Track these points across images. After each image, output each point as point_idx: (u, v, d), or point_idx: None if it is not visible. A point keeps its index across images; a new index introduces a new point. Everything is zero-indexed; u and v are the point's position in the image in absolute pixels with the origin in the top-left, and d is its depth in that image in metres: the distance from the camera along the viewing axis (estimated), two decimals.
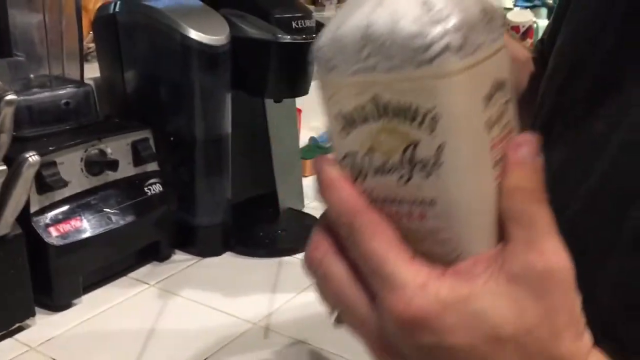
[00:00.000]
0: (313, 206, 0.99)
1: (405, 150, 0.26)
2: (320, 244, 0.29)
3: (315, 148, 1.25)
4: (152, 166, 0.80)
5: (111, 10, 0.80)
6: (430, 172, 0.26)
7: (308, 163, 1.14)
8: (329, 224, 0.29)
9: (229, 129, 0.81)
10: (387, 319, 0.26)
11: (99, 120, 0.78)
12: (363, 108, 0.27)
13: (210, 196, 0.83)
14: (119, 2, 0.79)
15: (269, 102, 0.88)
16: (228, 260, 0.83)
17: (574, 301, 0.26)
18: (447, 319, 0.25)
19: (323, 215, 0.29)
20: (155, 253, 0.81)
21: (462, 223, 0.27)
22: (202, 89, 0.77)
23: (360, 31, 0.26)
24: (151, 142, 0.79)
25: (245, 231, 0.88)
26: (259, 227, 0.90)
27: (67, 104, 0.75)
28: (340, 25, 0.27)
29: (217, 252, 0.83)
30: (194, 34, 0.75)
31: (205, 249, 0.83)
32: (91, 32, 0.93)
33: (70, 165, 0.70)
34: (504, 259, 0.26)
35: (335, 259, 0.28)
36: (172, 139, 0.81)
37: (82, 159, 0.71)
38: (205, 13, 0.78)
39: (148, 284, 0.77)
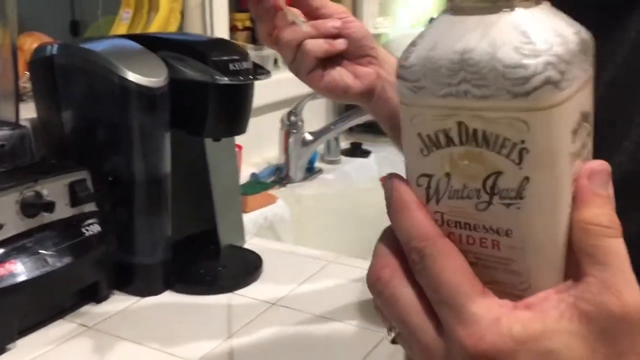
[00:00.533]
0: (253, 242, 1.01)
1: (487, 178, 0.26)
2: (388, 263, 0.28)
3: (256, 184, 1.27)
4: (90, 207, 0.79)
5: (48, 53, 0.80)
6: (510, 203, 0.26)
7: (249, 199, 1.15)
8: (397, 245, 0.28)
9: (168, 168, 0.82)
10: (457, 351, 0.25)
11: (35, 161, 0.78)
12: (448, 131, 0.26)
13: (149, 235, 0.83)
14: (56, 45, 0.80)
15: (208, 140, 0.90)
16: (168, 299, 0.83)
17: None
18: (520, 356, 0.25)
19: (388, 233, 0.29)
20: (94, 294, 0.80)
21: (536, 256, 0.27)
22: (141, 130, 0.78)
23: (456, 55, 0.25)
24: (89, 182, 0.79)
25: (185, 269, 0.88)
26: (199, 264, 0.90)
27: (2, 146, 0.74)
28: (434, 47, 0.26)
29: (157, 291, 0.83)
30: (132, 76, 0.76)
31: (145, 288, 0.83)
32: (27, 72, 0.93)
33: (5, 207, 0.69)
34: (577, 296, 0.25)
35: (404, 282, 0.28)
36: (110, 179, 0.81)
37: (17, 201, 0.71)
38: (143, 55, 0.80)
39: (86, 326, 0.76)
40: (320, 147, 1.46)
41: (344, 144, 1.59)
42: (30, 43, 0.97)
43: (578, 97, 0.26)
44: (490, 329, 0.25)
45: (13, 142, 0.75)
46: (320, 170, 1.45)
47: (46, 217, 0.74)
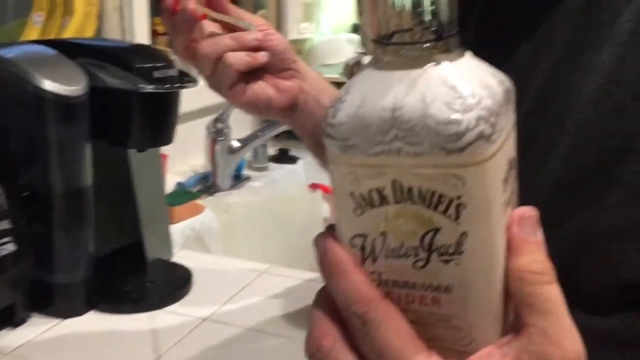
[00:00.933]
0: (182, 255, 0.97)
1: (424, 235, 0.26)
2: (328, 331, 0.27)
3: (182, 193, 1.23)
4: (4, 224, 0.74)
5: None
6: (449, 259, 0.26)
7: (175, 210, 1.12)
8: (334, 309, 0.27)
9: (90, 180, 0.78)
10: None
11: None
12: (381, 190, 0.26)
13: (70, 251, 0.78)
14: None
15: (132, 150, 0.86)
16: (92, 319, 0.79)
17: None
18: None
19: (323, 296, 0.28)
20: (9, 318, 0.75)
21: (477, 310, 0.26)
22: (59, 141, 0.74)
23: (387, 113, 0.25)
24: (2, 197, 0.74)
25: (110, 286, 0.84)
26: (125, 280, 0.86)
27: None
28: (362, 104, 0.25)
29: (79, 312, 0.79)
30: (48, 85, 0.71)
31: (66, 309, 0.78)
32: None
33: None
34: (520, 349, 0.25)
35: (345, 349, 0.27)
36: (26, 193, 0.76)
37: None
38: (60, 62, 0.75)
39: (2, 353, 0.70)
40: (247, 154, 1.44)
41: (272, 151, 1.58)
42: None
43: (506, 146, 0.26)
44: None
45: None
46: (248, 178, 1.43)
47: None
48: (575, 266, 0.38)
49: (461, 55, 0.26)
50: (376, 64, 0.26)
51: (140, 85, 0.73)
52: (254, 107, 0.62)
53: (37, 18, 1.28)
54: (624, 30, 0.38)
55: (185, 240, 1.11)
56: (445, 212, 0.25)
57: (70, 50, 0.77)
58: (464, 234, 0.25)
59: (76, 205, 0.78)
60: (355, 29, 1.89)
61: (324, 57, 1.68)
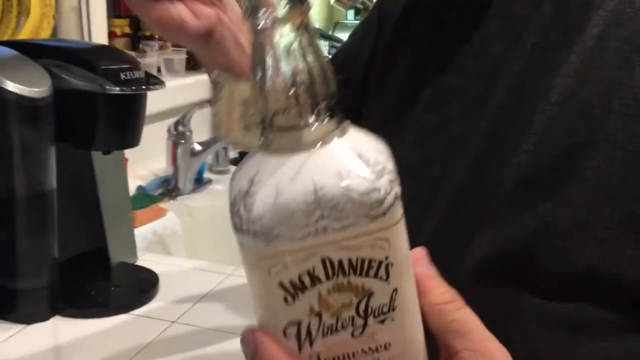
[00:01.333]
0: (146, 258, 0.96)
1: (359, 303, 0.27)
2: None
3: (144, 197, 1.22)
4: None
5: None
6: (385, 318, 0.27)
7: (137, 213, 1.10)
8: None
9: (54, 184, 0.77)
10: None
11: None
12: (311, 272, 0.26)
13: (33, 256, 0.77)
14: None
15: (95, 153, 0.85)
16: (57, 324, 0.77)
17: None
18: None
19: None
20: None
21: (414, 354, 0.29)
22: (22, 144, 0.72)
23: (310, 195, 0.25)
24: None
25: (74, 291, 0.82)
26: (89, 285, 0.85)
27: None
28: (279, 192, 0.25)
29: (44, 317, 0.77)
30: (11, 86, 0.70)
31: (30, 314, 0.77)
32: None
33: None
34: None
35: None
36: None
37: None
38: (23, 63, 0.74)
39: None
40: (209, 157, 1.43)
41: (232, 154, 1.58)
42: None
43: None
44: None
45: None
46: (209, 181, 1.42)
47: None
48: (534, 254, 0.40)
49: (348, 126, 0.27)
50: (268, 147, 0.27)
51: (107, 87, 0.73)
52: (165, 27, 0.56)
53: None
54: (593, 35, 0.40)
55: (148, 244, 1.10)
56: (376, 275, 0.26)
57: (33, 51, 0.76)
58: (394, 290, 0.27)
59: (40, 209, 0.76)
60: None
61: None
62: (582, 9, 0.41)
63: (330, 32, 2.52)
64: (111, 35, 1.46)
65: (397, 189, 0.26)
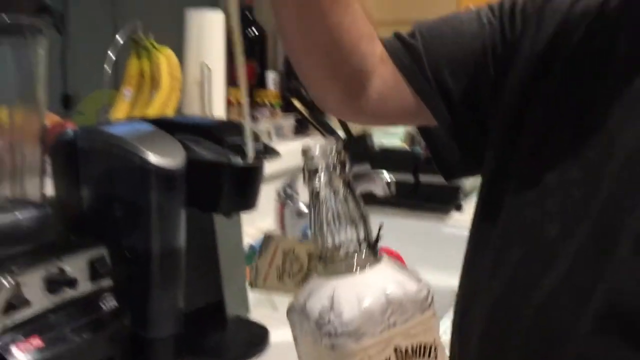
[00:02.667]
0: (257, 313, 1.04)
1: None
2: None
3: (254, 254, 1.31)
4: (107, 282, 0.83)
5: (70, 137, 0.85)
6: None
7: (249, 270, 1.19)
8: None
9: (183, 243, 0.86)
10: None
11: (57, 238, 0.81)
12: (389, 359, 0.36)
13: (164, 307, 0.86)
14: (79, 130, 0.85)
15: (217, 216, 0.94)
16: None
17: None
18: None
19: None
20: None
21: None
22: (159, 208, 0.83)
23: (383, 299, 0.37)
24: (107, 258, 0.82)
25: (194, 341, 0.91)
26: (208, 336, 0.93)
27: (27, 225, 0.78)
28: (360, 301, 0.37)
29: None
30: (152, 158, 0.81)
31: None
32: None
33: (32, 284, 0.72)
34: None
35: None
36: (127, 254, 0.84)
37: (42, 278, 0.74)
38: (162, 138, 0.85)
39: None
40: None
41: None
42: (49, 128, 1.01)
43: None
44: None
45: (38, 221, 0.79)
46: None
47: (68, 293, 0.77)
48: None
49: (382, 256, 0.41)
50: (330, 274, 0.39)
51: (232, 159, 0.82)
52: None
53: (127, 92, 1.41)
54: None
55: (257, 299, 1.18)
56: (429, 355, 0.37)
57: (170, 126, 0.87)
58: None
59: (170, 265, 0.86)
60: None
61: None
62: None
63: None
64: (227, 103, 1.60)
65: (430, 290, 0.38)
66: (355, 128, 1.74)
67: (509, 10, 0.64)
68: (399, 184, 1.58)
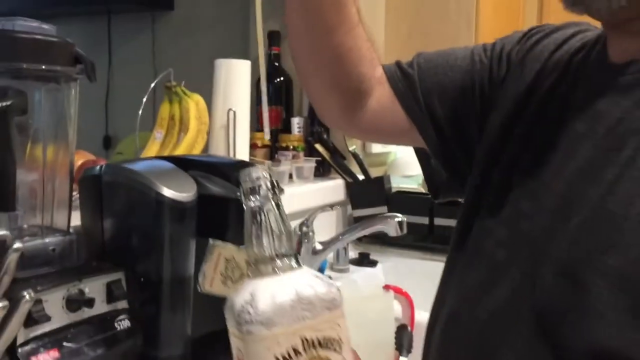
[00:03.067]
0: None
1: None
2: None
3: None
4: (123, 304, 0.91)
5: (97, 172, 0.95)
6: None
7: None
8: None
9: (192, 271, 0.94)
10: None
11: (80, 263, 0.90)
12: (296, 347, 0.44)
13: (172, 329, 0.93)
14: (104, 165, 0.95)
15: None
16: None
17: None
18: None
19: None
20: None
21: None
22: (171, 237, 0.91)
23: (293, 297, 0.45)
24: (123, 282, 0.91)
25: None
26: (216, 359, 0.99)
27: (53, 250, 0.87)
28: (274, 297, 0.45)
29: None
30: (166, 192, 0.90)
31: None
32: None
33: (53, 302, 0.81)
34: None
35: None
36: (142, 279, 0.93)
37: (63, 297, 0.82)
38: (176, 174, 0.94)
39: None
40: (329, 255, 1.57)
41: (352, 254, 1.70)
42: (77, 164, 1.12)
43: None
44: None
45: (63, 246, 0.88)
46: (329, 278, 1.55)
47: (85, 312, 0.85)
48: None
49: (302, 265, 0.50)
50: (256, 275, 0.48)
51: (239, 194, 0.90)
52: None
53: (158, 134, 1.52)
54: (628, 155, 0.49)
55: None
56: (335, 349, 0.45)
57: (184, 164, 0.97)
58: (344, 358, 0.46)
59: (180, 291, 0.93)
60: None
61: (405, 169, 1.83)
62: (624, 134, 0.51)
63: None
64: (253, 146, 1.69)
65: (340, 294, 0.45)
66: (374, 171, 1.81)
67: (499, 52, 0.71)
68: (414, 226, 1.64)
